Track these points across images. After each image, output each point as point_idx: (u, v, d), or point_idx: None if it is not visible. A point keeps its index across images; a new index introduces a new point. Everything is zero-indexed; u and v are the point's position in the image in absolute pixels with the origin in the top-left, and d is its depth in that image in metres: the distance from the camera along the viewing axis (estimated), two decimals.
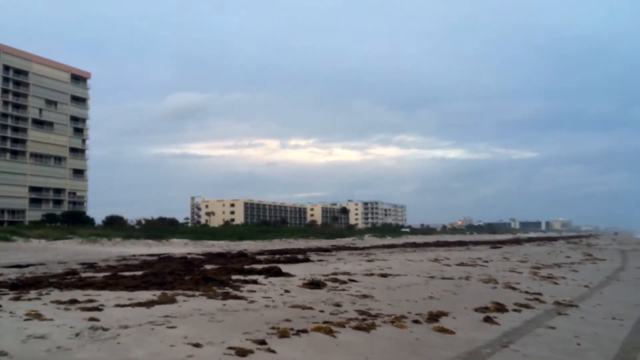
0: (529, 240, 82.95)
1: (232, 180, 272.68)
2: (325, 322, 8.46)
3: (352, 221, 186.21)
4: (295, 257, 24.77)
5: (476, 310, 10.43)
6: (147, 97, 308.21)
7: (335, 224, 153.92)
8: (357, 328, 8.26)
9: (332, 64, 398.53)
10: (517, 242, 69.94)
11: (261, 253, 31.84)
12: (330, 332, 7.81)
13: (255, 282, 13.42)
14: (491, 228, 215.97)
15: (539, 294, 13.24)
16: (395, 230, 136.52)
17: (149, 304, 9.71)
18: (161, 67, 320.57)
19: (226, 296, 10.80)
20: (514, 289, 14.24)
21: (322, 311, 9.64)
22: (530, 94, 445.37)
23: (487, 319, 9.50)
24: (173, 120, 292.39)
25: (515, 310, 10.76)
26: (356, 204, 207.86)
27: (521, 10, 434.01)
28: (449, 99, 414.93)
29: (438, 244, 53.95)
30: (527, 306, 11.26)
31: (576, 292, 14.40)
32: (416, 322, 9.03)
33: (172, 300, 10.09)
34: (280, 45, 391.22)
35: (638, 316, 10.89)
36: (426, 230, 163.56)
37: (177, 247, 42.52)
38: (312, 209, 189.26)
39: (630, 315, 10.86)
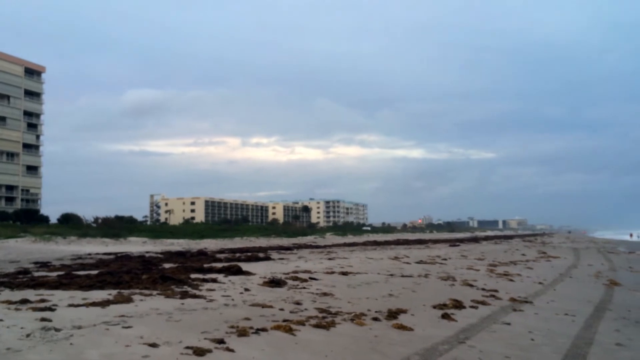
0: (487, 238, 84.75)
1: (193, 178, 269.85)
2: (285, 321, 8.42)
3: (314, 220, 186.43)
4: (256, 255, 24.59)
5: (434, 307, 10.58)
6: (105, 93, 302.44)
7: (297, 223, 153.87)
8: (317, 326, 8.25)
9: (294, 63, 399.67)
10: (475, 240, 71.35)
11: (222, 251, 31.52)
12: (290, 331, 7.78)
13: (214, 280, 13.24)
14: (450, 226, 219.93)
15: (495, 290, 13.52)
16: (356, 228, 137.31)
17: (104, 303, 9.46)
18: (119, 62, 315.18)
19: (184, 295, 10.62)
20: (471, 286, 14.50)
21: (282, 309, 9.60)
22: (488, 96, 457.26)
23: (445, 316, 9.64)
24: (131, 116, 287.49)
25: (472, 306, 10.96)
26: (318, 203, 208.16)
27: (482, 15, 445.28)
28: (411, 99, 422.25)
29: (398, 242, 54.49)
30: (483, 303, 11.48)
31: (531, 288, 14.78)
32: (376, 319, 9.09)
33: (128, 300, 9.85)
34: (241, 43, 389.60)
35: (589, 312, 11.26)
36: (387, 228, 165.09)
37: (135, 246, 41.61)
38: (274, 207, 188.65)
39: (582, 311, 11.22)
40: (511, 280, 16.76)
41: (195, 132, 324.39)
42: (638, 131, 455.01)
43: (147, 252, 31.13)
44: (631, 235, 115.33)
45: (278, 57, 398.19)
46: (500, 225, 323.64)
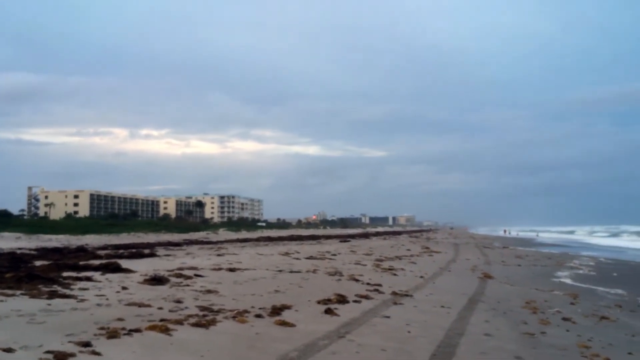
0: (377, 234, 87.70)
1: (76, 170, 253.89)
2: (162, 320, 8.02)
3: (207, 215, 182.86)
4: (140, 251, 23.50)
5: (319, 302, 10.61)
6: None
7: (189, 218, 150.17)
8: (196, 325, 7.94)
9: (187, 54, 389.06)
10: (366, 236, 73.50)
11: (104, 248, 29.83)
12: (166, 330, 7.40)
13: (89, 279, 12.37)
14: (343, 222, 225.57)
15: (379, 285, 13.87)
16: (251, 224, 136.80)
17: None
18: None
19: (53, 295, 9.80)
20: (357, 280, 14.78)
21: (160, 308, 9.15)
22: (380, 97, 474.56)
23: (328, 311, 9.70)
24: (5, 101, 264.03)
25: (355, 301, 11.14)
26: (212, 198, 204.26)
27: (377, 17, 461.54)
28: (307, 97, 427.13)
29: (292, 238, 54.80)
30: (366, 297, 11.71)
31: (412, 282, 15.37)
32: (259, 316, 8.93)
33: None
34: (131, 29, 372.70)
35: (464, 304, 11.87)
36: (282, 224, 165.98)
37: (8, 242, 38.33)
38: (165, 202, 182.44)
39: (457, 303, 11.80)
40: (395, 274, 17.33)
41: (78, 121, 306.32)
42: (512, 136, 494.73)
43: (20, 248, 28.77)
44: (505, 231, 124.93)
45: (170, 47, 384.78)
46: (391, 222, 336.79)
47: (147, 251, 24.31)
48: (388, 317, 9.65)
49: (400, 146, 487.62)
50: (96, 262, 16.37)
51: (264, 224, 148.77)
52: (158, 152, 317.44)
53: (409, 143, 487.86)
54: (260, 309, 9.53)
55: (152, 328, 7.46)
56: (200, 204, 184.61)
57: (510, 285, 16.68)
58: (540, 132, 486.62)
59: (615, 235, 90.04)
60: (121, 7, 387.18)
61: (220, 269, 16.19)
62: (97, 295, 10.22)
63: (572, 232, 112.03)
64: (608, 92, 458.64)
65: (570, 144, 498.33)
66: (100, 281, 12.31)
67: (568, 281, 19.51)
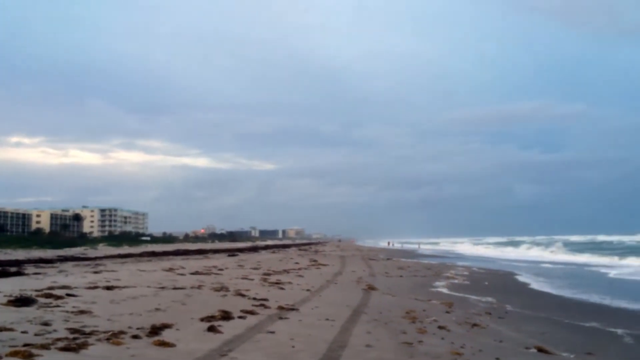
0: (266, 247, 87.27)
1: None
2: (25, 345, 7.34)
3: (87, 229, 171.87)
4: (6, 270, 21.44)
5: (202, 319, 10.30)
6: None
7: (66, 233, 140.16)
8: (65, 349, 7.35)
9: (66, 57, 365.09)
10: (254, 249, 72.86)
11: None
12: (29, 357, 6.78)
13: None
14: (233, 236, 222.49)
15: (266, 299, 13.76)
16: (134, 238, 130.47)
17: None
18: None
19: None
20: (243, 295, 14.56)
21: (25, 332, 8.37)
22: (271, 109, 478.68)
23: (211, 328, 9.44)
24: None
25: (240, 317, 10.94)
26: (92, 211, 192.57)
27: (270, 31, 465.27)
28: (197, 108, 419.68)
29: (178, 253, 52.90)
30: (252, 312, 11.56)
31: (299, 296, 15.42)
32: (136, 337, 8.46)
33: None
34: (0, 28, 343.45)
35: (347, 316, 12.09)
36: (168, 238, 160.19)
37: None
38: (38, 215, 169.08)
39: (341, 316, 12.00)
40: (282, 288, 17.30)
41: None
42: (395, 151, 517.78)
43: None
44: (389, 243, 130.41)
45: (46, 49, 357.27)
46: (280, 235, 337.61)
47: (13, 269, 22.24)
48: (273, 332, 9.58)
49: (290, 159, 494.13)
50: None
51: (148, 238, 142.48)
52: (30, 161, 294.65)
53: (298, 156, 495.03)
54: (138, 329, 9.06)
55: (14, 354, 6.81)
56: (78, 218, 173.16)
57: (393, 296, 17.31)
58: (420, 149, 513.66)
59: (475, 245, 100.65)
60: None
61: (96, 287, 15.19)
62: None
63: (437, 244, 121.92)
64: (483, 112, 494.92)
65: (447, 161, 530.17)
66: None
67: (445, 290, 20.66)
